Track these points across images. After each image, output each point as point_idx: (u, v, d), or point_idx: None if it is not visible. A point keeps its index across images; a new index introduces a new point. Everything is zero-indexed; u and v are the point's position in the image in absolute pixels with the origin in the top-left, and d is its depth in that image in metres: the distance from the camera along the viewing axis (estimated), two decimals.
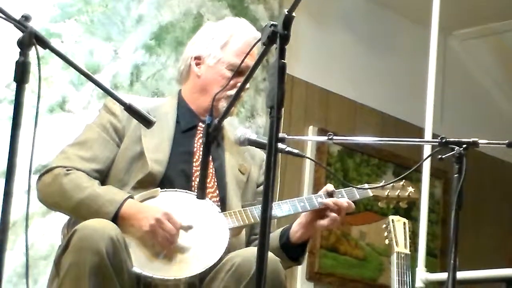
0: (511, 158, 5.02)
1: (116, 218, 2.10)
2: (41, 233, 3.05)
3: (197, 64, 2.37)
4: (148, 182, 2.21)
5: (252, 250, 2.08)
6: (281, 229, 2.35)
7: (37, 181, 2.22)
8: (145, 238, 2.10)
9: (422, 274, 3.35)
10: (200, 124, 2.34)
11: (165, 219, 2.09)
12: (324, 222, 2.26)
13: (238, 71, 2.18)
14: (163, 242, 2.09)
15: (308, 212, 2.28)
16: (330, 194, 2.28)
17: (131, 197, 2.15)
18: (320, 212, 2.28)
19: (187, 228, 2.14)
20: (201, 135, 2.30)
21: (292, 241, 2.29)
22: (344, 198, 2.29)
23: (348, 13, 4.39)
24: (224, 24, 2.41)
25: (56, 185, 2.17)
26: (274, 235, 2.32)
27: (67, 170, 2.18)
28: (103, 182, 2.24)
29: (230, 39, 2.35)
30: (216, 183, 2.29)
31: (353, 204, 2.29)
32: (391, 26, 4.55)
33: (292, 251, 2.29)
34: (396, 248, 2.73)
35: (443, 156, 2.10)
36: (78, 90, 3.23)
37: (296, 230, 2.30)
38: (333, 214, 2.25)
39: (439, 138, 2.11)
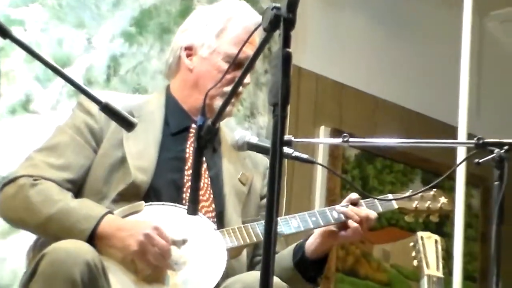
0: None
1: (93, 237, 2.11)
2: (1, 257, 3.06)
3: (188, 56, 2.38)
4: (131, 194, 2.22)
5: (255, 275, 2.09)
6: (294, 245, 2.37)
7: None
8: (128, 260, 2.12)
9: None
10: (193, 125, 2.35)
11: (156, 234, 2.11)
12: (345, 233, 2.29)
13: (236, 63, 2.19)
14: (155, 261, 2.11)
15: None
16: (354, 204, 2.31)
17: (110, 212, 2.17)
18: (339, 228, 2.30)
19: (181, 242, 2.15)
20: (194, 138, 2.31)
21: (308, 256, 2.31)
22: (363, 208, 2.31)
23: None
24: (220, 8, 2.42)
25: (21, 198, 2.18)
26: (286, 253, 2.34)
27: (34, 180, 2.19)
28: (77, 194, 2.25)
29: (227, 26, 2.36)
30: (212, 196, 2.31)
31: (375, 213, 2.31)
32: (416, 7, 4.56)
33: (308, 269, 2.31)
34: (427, 270, 2.73)
35: (481, 160, 2.11)
36: (44, 87, 3.24)
37: (311, 242, 2.32)
38: (355, 224, 2.27)
39: (475, 138, 2.11)
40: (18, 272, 2.93)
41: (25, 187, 2.18)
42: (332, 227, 2.31)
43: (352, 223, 2.28)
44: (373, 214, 2.31)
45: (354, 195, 2.34)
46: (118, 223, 2.14)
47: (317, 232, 2.32)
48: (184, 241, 2.17)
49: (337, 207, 2.32)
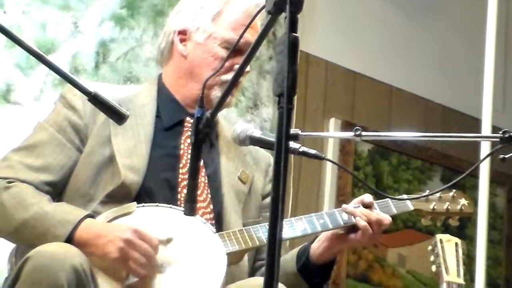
0: None
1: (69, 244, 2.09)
2: None
3: (182, 41, 2.38)
4: (121, 196, 2.22)
5: (258, 282, 2.10)
6: (297, 248, 2.37)
7: None
8: (111, 268, 2.12)
9: None
10: (188, 118, 2.35)
11: (137, 238, 2.11)
12: (355, 235, 2.29)
13: (235, 49, 2.19)
14: (139, 268, 2.11)
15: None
16: (366, 207, 2.31)
17: (90, 216, 2.17)
18: (348, 230, 2.31)
19: (167, 241, 2.15)
20: (189, 133, 2.32)
21: (313, 260, 2.32)
22: (377, 211, 2.31)
23: None
24: None
25: None
26: (289, 257, 2.34)
27: (8, 183, 2.20)
28: (60, 197, 2.26)
29: (225, 8, 2.37)
30: (209, 195, 2.31)
31: (389, 218, 2.31)
32: None
33: (313, 275, 2.31)
34: (446, 276, 2.73)
35: (507, 156, 2.11)
36: (27, 75, 3.24)
37: (317, 245, 2.33)
38: (363, 223, 2.26)
39: (500, 132, 2.12)
40: None
41: None
42: (341, 230, 2.32)
43: (360, 222, 2.27)
44: (387, 219, 2.31)
45: (367, 198, 2.34)
46: (96, 229, 2.14)
47: (323, 235, 2.32)
48: (168, 240, 2.16)
49: (345, 206, 2.32)
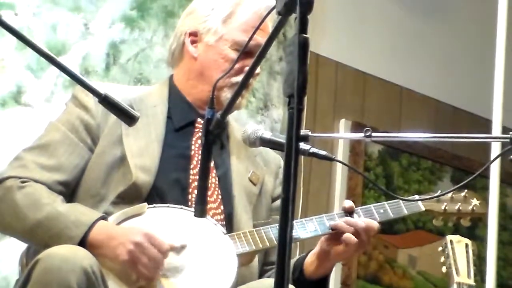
0: None
1: (83, 246, 2.11)
2: None
3: (193, 42, 2.39)
4: (132, 196, 2.23)
5: (268, 283, 2.09)
6: (295, 258, 2.36)
7: None
8: (122, 271, 2.12)
9: None
10: (199, 119, 2.36)
11: (148, 242, 2.11)
12: (339, 248, 2.27)
13: (246, 51, 2.19)
14: (146, 272, 2.11)
15: (327, 236, 2.29)
16: (348, 212, 2.29)
17: (103, 218, 2.17)
18: (337, 237, 2.29)
19: (180, 248, 2.15)
20: (200, 134, 2.32)
21: (307, 275, 2.31)
22: (361, 218, 2.28)
23: None
24: None
25: (7, 202, 2.19)
26: None
27: (22, 182, 2.20)
28: (71, 197, 2.26)
29: (236, 10, 2.36)
30: (220, 196, 2.31)
31: (376, 223, 2.29)
32: None
33: None
34: (457, 277, 2.73)
35: None
36: (37, 77, 3.25)
37: (311, 261, 2.32)
38: (349, 236, 2.24)
39: (510, 132, 2.11)
40: (10, 279, 2.95)
41: (12, 190, 2.18)
42: (325, 246, 2.29)
43: (347, 236, 2.23)
44: (375, 225, 2.27)
45: (347, 203, 2.32)
46: (110, 231, 2.14)
47: (313, 252, 2.31)
48: (182, 247, 2.16)
49: (333, 223, 2.28)
